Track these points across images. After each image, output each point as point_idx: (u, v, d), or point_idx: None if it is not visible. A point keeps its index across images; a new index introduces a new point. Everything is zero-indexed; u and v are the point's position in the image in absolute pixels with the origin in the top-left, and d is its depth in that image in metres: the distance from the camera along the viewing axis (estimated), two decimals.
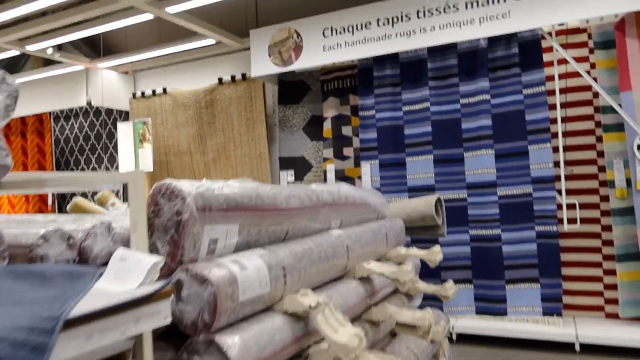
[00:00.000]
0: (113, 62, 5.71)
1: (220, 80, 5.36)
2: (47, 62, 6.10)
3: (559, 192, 3.72)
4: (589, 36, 3.90)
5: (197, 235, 1.31)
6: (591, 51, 3.89)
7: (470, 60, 4.01)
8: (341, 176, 4.63)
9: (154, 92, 5.79)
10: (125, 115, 6.28)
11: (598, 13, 3.41)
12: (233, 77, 5.29)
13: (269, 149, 5.19)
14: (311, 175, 4.94)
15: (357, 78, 4.46)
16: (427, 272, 3.45)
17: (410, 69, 4.22)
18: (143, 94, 5.87)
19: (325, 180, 4.70)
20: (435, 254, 2.54)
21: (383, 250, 2.42)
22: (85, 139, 6.84)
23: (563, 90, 3.90)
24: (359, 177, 4.46)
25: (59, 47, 5.49)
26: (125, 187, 1.23)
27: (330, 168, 4.66)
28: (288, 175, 5.02)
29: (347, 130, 4.66)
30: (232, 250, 1.47)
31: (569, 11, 3.46)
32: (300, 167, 5.00)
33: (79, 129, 6.90)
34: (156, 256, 1.12)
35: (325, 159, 4.71)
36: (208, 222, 1.34)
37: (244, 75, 5.21)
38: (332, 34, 4.27)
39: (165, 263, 1.24)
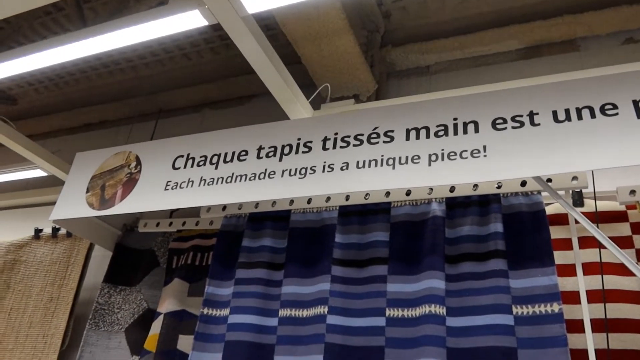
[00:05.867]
0: None
1: (37, 232, 3.40)
2: None
3: None
4: (636, 228, 2.08)
5: None
6: None
7: (412, 236, 2.11)
8: None
9: None
10: None
11: None
12: (56, 230, 3.35)
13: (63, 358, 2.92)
14: None
15: (214, 248, 2.50)
16: None
17: (303, 242, 2.29)
18: None
19: None
20: None
21: None
22: None
23: (598, 324, 1.87)
24: None
25: None
26: None
27: None
28: None
29: (188, 343, 2.49)
30: None
31: (598, 154, 1.66)
32: None
33: None
34: None
35: None
36: None
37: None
38: (185, 166, 2.47)
39: None
